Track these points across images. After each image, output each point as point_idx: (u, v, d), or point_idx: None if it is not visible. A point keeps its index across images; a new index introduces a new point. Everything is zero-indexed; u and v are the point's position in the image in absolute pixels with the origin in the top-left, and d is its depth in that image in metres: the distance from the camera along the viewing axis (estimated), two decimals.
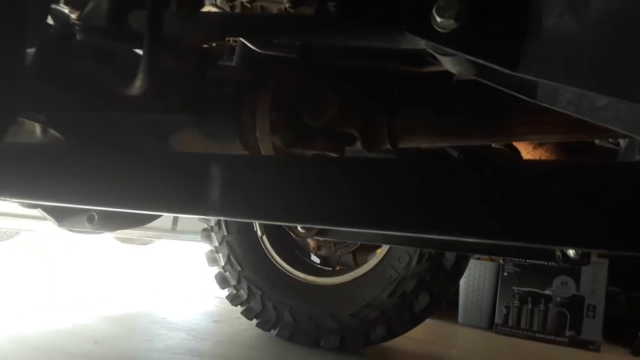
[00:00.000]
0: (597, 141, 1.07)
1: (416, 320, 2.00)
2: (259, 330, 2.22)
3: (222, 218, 1.24)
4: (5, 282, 3.10)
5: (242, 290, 2.26)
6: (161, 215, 1.16)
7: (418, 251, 1.90)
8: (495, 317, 3.33)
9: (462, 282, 3.40)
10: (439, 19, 0.55)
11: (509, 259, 3.26)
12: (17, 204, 0.94)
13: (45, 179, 0.73)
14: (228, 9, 1.11)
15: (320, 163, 0.65)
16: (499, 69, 0.53)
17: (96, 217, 1.05)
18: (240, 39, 1.04)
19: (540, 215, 0.49)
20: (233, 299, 2.29)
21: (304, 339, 2.11)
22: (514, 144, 1.14)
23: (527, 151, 1.12)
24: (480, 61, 0.54)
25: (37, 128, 0.92)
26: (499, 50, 0.53)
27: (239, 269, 2.25)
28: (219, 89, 1.02)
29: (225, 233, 2.27)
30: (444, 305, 2.00)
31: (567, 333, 3.14)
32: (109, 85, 0.89)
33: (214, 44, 1.20)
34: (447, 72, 0.72)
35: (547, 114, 0.86)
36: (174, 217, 3.05)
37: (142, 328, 2.20)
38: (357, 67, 0.99)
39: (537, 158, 1.12)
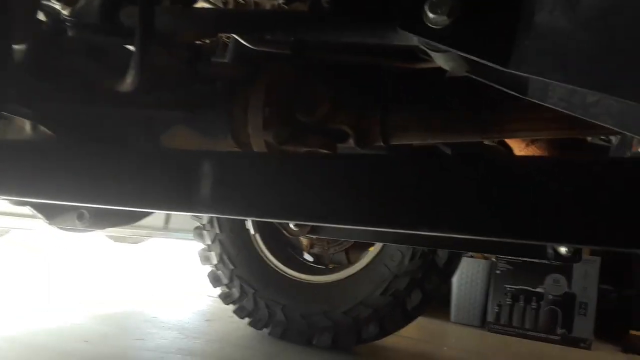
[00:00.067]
0: (589, 138, 1.08)
1: (408, 318, 2.00)
2: (251, 329, 2.22)
3: (213, 215, 1.24)
4: (4, 281, 3.07)
5: (234, 289, 2.25)
6: (152, 213, 1.15)
7: (411, 249, 1.91)
8: (488, 315, 3.35)
9: (455, 280, 3.41)
10: (431, 16, 0.55)
11: (501, 257, 3.27)
12: (6, 201, 0.93)
13: (34, 176, 0.72)
14: (221, 5, 1.10)
15: (313, 160, 0.65)
16: (491, 66, 0.53)
17: (86, 214, 1.04)
18: (233, 35, 1.04)
19: (537, 212, 0.49)
20: (225, 298, 2.28)
21: (297, 338, 2.10)
22: (507, 141, 1.15)
23: (519, 149, 1.13)
24: (473, 57, 0.55)
25: (27, 125, 0.91)
26: (491, 46, 0.53)
27: (232, 267, 2.24)
28: (212, 85, 1.01)
29: (218, 231, 2.26)
30: (437, 303, 2.01)
31: (559, 331, 3.16)
32: (101, 82, 0.89)
33: (207, 40, 1.19)
34: (439, 69, 0.72)
35: (538, 110, 0.87)
36: (166, 215, 3.04)
37: (133, 327, 2.19)
38: (350, 63, 0.99)
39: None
